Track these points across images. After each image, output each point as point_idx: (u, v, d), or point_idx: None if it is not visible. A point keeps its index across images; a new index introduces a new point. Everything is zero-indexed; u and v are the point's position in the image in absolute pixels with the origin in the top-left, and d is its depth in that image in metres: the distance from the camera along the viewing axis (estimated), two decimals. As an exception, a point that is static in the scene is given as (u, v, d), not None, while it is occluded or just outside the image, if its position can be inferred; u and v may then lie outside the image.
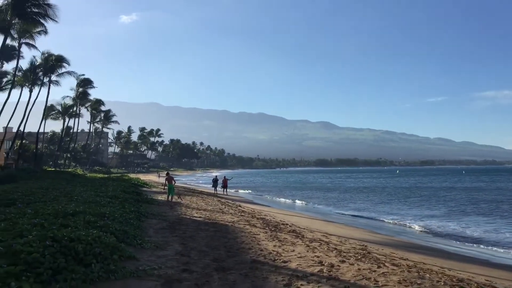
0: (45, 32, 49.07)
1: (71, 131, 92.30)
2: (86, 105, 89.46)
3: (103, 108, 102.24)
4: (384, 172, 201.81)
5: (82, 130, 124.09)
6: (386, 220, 27.54)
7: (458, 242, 19.88)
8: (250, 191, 57.60)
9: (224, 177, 45.57)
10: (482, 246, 18.91)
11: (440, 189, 63.86)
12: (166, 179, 26.15)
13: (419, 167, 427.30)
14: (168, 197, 25.34)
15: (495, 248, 18.29)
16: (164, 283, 7.24)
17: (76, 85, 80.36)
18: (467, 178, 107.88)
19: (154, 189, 38.05)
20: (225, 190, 43.63)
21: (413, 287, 7.67)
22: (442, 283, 8.26)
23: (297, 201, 43.47)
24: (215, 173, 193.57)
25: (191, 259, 9.38)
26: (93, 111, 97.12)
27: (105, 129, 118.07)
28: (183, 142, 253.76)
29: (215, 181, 44.24)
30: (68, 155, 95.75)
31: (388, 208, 36.44)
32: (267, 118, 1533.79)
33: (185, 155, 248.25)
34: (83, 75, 79.39)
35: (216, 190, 43.19)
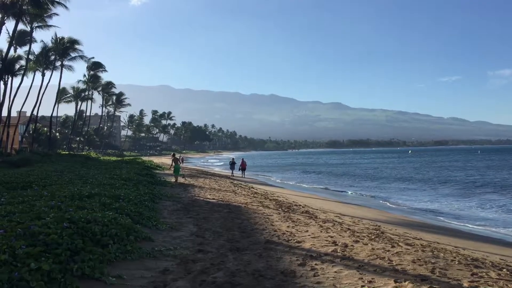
0: (56, 14, 49.26)
1: (84, 114, 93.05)
2: (98, 89, 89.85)
3: (114, 91, 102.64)
4: (397, 153, 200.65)
5: (95, 114, 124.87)
6: (400, 201, 27.46)
7: (470, 221, 19.79)
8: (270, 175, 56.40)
9: (242, 159, 44.27)
10: (493, 226, 18.82)
11: (453, 168, 63.42)
12: (172, 160, 27.62)
13: (432, 147, 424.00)
14: (176, 177, 26.14)
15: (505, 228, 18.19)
16: (179, 263, 7.33)
17: (87, 68, 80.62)
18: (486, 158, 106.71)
19: (167, 172, 38.31)
20: (243, 172, 42.61)
21: (427, 266, 7.66)
22: (457, 262, 8.25)
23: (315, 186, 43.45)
24: (225, 155, 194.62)
25: (206, 239, 9.47)
26: (105, 94, 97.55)
27: (117, 113, 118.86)
28: (195, 124, 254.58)
29: (232, 164, 43.89)
30: (81, 138, 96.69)
31: (402, 189, 36.31)
32: (278, 99, 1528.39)
33: (197, 137, 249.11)
34: (93, 58, 79.37)
35: (233, 173, 42.80)
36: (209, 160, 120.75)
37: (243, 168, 42.48)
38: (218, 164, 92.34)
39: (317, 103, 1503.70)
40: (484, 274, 7.47)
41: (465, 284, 6.59)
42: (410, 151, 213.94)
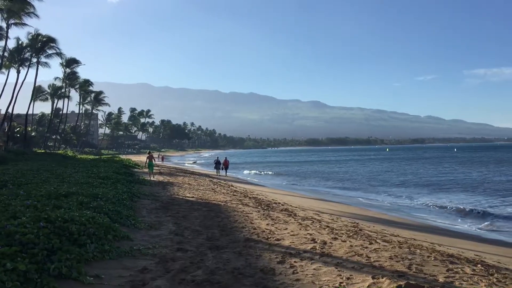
0: (36, 15, 48.31)
1: (61, 112, 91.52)
2: (75, 86, 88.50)
3: (92, 89, 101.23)
4: (375, 151, 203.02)
5: (72, 112, 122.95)
6: (378, 199, 27.83)
7: (445, 218, 20.17)
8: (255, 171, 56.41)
9: (225, 158, 43.93)
10: (468, 221, 19.23)
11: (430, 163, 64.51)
12: (147, 157, 29.57)
13: (409, 145, 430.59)
14: (149, 172, 28.43)
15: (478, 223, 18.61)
16: (158, 262, 7.29)
17: (64, 65, 79.19)
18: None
19: (145, 170, 37.96)
20: (226, 171, 42.31)
21: (404, 262, 7.79)
22: (433, 258, 8.40)
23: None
24: (205, 153, 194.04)
25: (185, 238, 9.44)
26: (82, 92, 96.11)
27: (95, 111, 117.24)
28: (174, 122, 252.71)
29: (217, 163, 42.94)
30: (58, 137, 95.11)
31: (378, 186, 36.79)
32: (258, 98, 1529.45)
33: (176, 135, 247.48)
34: (65, 55, 77.68)
35: (219, 172, 42.21)
36: (188, 159, 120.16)
37: (225, 166, 42.00)
38: (198, 162, 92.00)
39: (296, 102, 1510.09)
40: (459, 269, 7.63)
41: (441, 280, 6.72)
42: (387, 149, 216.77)
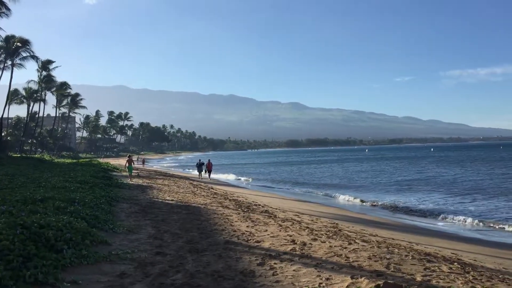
0: (7, 15, 47.27)
1: (37, 116, 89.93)
2: (52, 89, 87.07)
3: (69, 91, 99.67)
4: (354, 151, 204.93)
5: (49, 115, 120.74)
6: (358, 199, 28.06)
7: (420, 217, 20.47)
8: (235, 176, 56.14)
9: (209, 160, 42.61)
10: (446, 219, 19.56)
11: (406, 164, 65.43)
12: (127, 161, 31.09)
13: (387, 146, 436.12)
14: (129, 175, 29.86)
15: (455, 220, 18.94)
16: (137, 267, 7.22)
17: (39, 68, 77.81)
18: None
19: (124, 173, 37.59)
20: (209, 174, 41.01)
21: (383, 262, 7.88)
22: (410, 257, 8.52)
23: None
24: (185, 155, 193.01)
25: (164, 242, 9.37)
26: (59, 95, 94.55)
27: (72, 114, 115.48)
28: (153, 125, 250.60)
29: (199, 165, 41.77)
30: (34, 140, 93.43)
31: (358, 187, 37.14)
32: (237, 99, 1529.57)
33: (155, 138, 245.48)
34: (39, 58, 76.26)
35: (201, 175, 41.20)
36: (168, 161, 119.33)
37: (209, 169, 40.93)
38: (177, 164, 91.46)
39: (275, 103, 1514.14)
40: (436, 268, 7.75)
41: (418, 279, 6.81)
42: (366, 150, 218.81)
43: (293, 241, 9.71)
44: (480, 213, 21.00)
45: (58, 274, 6.10)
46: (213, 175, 41.06)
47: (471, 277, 7.30)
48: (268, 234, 10.60)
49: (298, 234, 10.89)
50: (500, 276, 8.02)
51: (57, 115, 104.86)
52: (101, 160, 71.56)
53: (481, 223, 18.50)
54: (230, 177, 49.53)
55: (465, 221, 18.94)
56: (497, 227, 17.72)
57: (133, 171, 31.83)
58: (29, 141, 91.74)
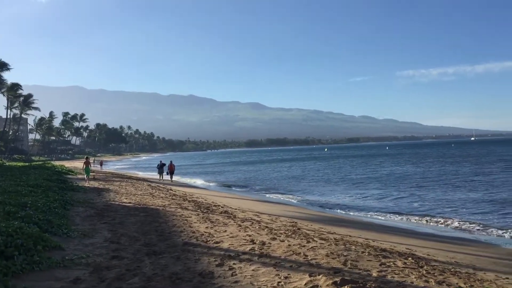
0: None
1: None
2: (2, 90, 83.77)
3: (21, 92, 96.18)
4: (313, 150, 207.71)
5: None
6: (314, 198, 28.43)
7: (378, 214, 20.96)
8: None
9: (171, 162, 40.83)
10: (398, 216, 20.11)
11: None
12: (84, 163, 30.59)
13: (345, 145, 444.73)
14: (86, 177, 29.31)
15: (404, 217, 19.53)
16: (92, 272, 7.03)
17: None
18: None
19: (80, 176, 36.59)
20: (171, 176, 39.55)
21: (340, 259, 8.00)
22: (367, 254, 8.70)
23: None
24: (143, 157, 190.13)
25: (121, 245, 9.17)
26: (10, 96, 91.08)
27: (24, 115, 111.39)
28: (110, 126, 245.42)
29: (160, 167, 40.37)
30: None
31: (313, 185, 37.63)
32: (197, 100, 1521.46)
33: (112, 139, 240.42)
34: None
35: (162, 177, 39.83)
36: (126, 163, 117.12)
37: (171, 171, 39.43)
38: (135, 166, 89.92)
39: (236, 103, 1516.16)
40: (391, 263, 7.95)
41: (374, 274, 6.96)
42: (326, 149, 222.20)
43: (252, 241, 9.72)
44: (427, 209, 21.76)
45: (8, 282, 5.87)
46: (173, 177, 40.31)
47: (424, 271, 7.53)
48: (228, 235, 10.57)
49: (258, 233, 10.92)
50: (452, 269, 8.32)
51: (8, 117, 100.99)
52: (55, 163, 69.37)
53: (426, 219, 19.15)
54: (190, 179, 49.11)
55: (411, 218, 19.54)
56: (435, 221, 18.35)
57: (90, 173, 31.42)
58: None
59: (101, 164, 69.05)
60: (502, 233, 15.68)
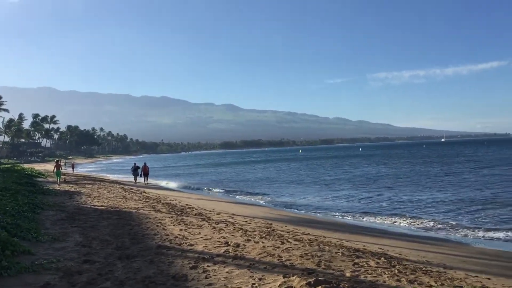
0: None
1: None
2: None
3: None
4: (288, 152, 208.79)
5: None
6: (290, 199, 28.55)
7: (347, 214, 21.21)
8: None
9: (145, 164, 39.91)
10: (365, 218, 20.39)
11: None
12: (55, 166, 30.43)
13: (319, 146, 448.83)
14: (57, 180, 29.37)
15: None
16: (63, 276, 6.88)
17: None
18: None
19: (50, 179, 35.83)
20: (146, 178, 38.65)
21: (314, 259, 8.05)
22: (340, 254, 8.78)
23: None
24: (116, 159, 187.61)
25: (93, 249, 9.01)
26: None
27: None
28: (82, 128, 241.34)
29: (135, 170, 39.20)
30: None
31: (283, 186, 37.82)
32: (170, 101, 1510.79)
33: (84, 142, 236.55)
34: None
35: (136, 180, 38.83)
36: (98, 165, 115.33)
37: (145, 173, 38.53)
38: (108, 169, 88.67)
39: (209, 105, 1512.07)
40: (364, 263, 8.04)
41: (348, 274, 7.02)
42: (300, 151, 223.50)
43: (227, 243, 9.69)
44: (398, 209, 22.14)
45: (-27, 289, 5.69)
46: (148, 180, 39.68)
47: (396, 271, 7.64)
48: (202, 237, 10.50)
49: (232, 235, 10.89)
50: (423, 269, 8.47)
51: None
52: (25, 165, 67.75)
53: (397, 219, 19.49)
54: (165, 181, 48.67)
55: (382, 218, 19.84)
56: (407, 221, 18.70)
57: (61, 176, 31.08)
58: None
59: (72, 166, 67.82)
60: (472, 232, 16.08)
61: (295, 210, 23.02)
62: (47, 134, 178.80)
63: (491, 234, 15.59)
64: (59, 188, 25.37)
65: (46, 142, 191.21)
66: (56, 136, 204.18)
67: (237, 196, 31.14)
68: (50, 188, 24.39)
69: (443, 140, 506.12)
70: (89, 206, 17.05)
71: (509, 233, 15.45)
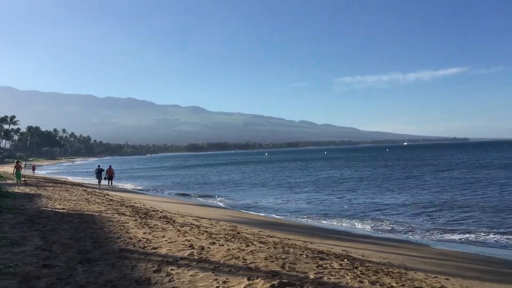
0: None
1: None
2: None
3: None
4: (254, 155, 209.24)
5: None
6: (254, 202, 28.61)
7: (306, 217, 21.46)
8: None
9: (110, 166, 39.27)
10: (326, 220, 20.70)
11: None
12: (15, 167, 30.70)
13: (286, 149, 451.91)
14: (17, 181, 29.45)
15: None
16: (20, 281, 6.67)
17: None
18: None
19: (9, 181, 34.68)
20: (110, 182, 37.89)
21: (278, 262, 8.09)
22: (304, 256, 8.86)
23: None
24: (79, 161, 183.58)
25: (53, 253, 8.77)
26: None
27: None
28: (43, 129, 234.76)
29: (99, 172, 37.94)
30: None
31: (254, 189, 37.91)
32: (136, 103, 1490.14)
33: (46, 143, 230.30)
34: None
35: (100, 183, 37.76)
36: (60, 167, 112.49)
37: (109, 176, 37.77)
38: (70, 171, 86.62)
39: (176, 107, 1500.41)
40: (328, 265, 8.14)
41: (311, 276, 7.09)
42: (266, 154, 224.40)
43: (191, 246, 9.62)
44: (361, 211, 22.56)
45: None
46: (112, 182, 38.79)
47: (359, 272, 7.77)
48: (166, 240, 10.39)
49: (197, 238, 10.82)
50: (385, 270, 8.64)
51: None
52: (-18, 167, 65.38)
53: (359, 221, 19.85)
54: (129, 183, 47.94)
55: (345, 220, 20.18)
56: (369, 223, 19.09)
57: (21, 178, 30.59)
58: None
59: (33, 168, 65.94)
60: (431, 233, 16.54)
61: (261, 213, 23.08)
62: (7, 135, 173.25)
63: (449, 235, 16.10)
64: (18, 191, 24.59)
65: (5, 144, 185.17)
66: (16, 137, 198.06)
67: (203, 199, 30.98)
68: (9, 190, 23.60)
69: (405, 144, 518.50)
70: (50, 209, 16.60)
71: (466, 235, 16.00)
